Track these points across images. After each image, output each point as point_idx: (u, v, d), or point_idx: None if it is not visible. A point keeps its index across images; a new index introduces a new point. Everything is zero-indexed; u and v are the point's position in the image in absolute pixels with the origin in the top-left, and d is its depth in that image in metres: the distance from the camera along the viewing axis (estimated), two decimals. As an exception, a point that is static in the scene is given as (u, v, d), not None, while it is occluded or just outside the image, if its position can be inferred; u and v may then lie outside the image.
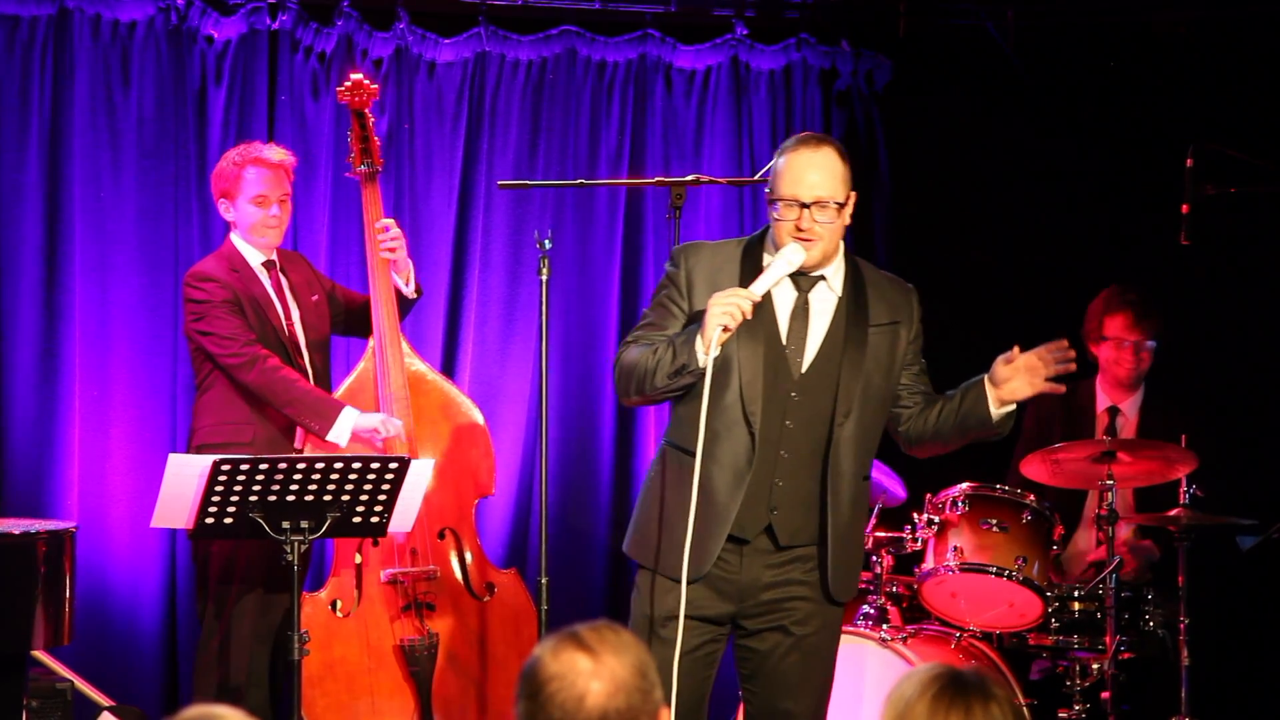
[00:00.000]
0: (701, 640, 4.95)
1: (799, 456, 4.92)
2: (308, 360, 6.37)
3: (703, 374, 4.74)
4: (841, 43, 8.05)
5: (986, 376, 4.97)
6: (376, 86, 6.60)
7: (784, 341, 4.91)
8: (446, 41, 7.65)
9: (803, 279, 4.91)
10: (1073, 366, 4.93)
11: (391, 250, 6.45)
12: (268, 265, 6.38)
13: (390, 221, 6.48)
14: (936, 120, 8.14)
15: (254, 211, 6.33)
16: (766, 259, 4.91)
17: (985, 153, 8.08)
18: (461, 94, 7.64)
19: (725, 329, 4.70)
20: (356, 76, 6.55)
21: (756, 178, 6.52)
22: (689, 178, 6.02)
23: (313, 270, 6.64)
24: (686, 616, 4.83)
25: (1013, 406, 4.97)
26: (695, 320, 4.85)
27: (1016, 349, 4.93)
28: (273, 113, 7.38)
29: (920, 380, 5.10)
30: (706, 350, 4.71)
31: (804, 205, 4.82)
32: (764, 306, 4.83)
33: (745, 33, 7.95)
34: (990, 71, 8.02)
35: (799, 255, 4.82)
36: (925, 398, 5.08)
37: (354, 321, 6.61)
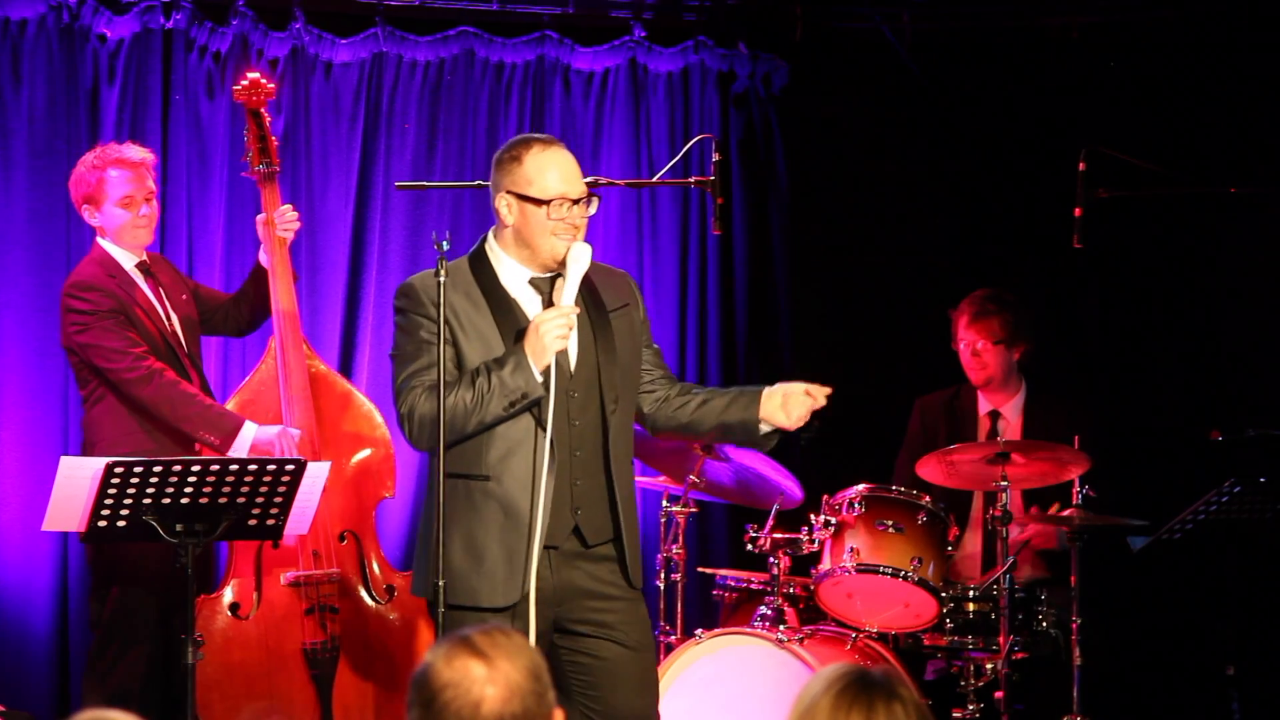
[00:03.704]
0: None
1: (588, 453, 4.97)
2: (190, 361, 6.32)
3: (540, 397, 4.81)
4: (739, 45, 8.08)
5: (765, 391, 5.02)
6: (273, 86, 6.55)
7: None
8: (343, 42, 7.62)
9: (541, 281, 4.97)
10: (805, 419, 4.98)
11: (288, 231, 6.43)
12: (141, 268, 6.32)
13: (289, 206, 6.47)
14: (833, 123, 8.18)
15: (121, 214, 6.26)
16: (502, 265, 4.96)
17: (881, 155, 8.13)
18: (359, 95, 7.61)
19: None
20: (253, 75, 6.50)
21: (655, 179, 6.53)
22: (587, 179, 6.01)
23: (176, 270, 6.61)
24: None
25: (773, 427, 5.03)
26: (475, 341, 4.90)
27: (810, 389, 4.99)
28: (167, 112, 7.32)
29: (658, 363, 5.19)
30: (542, 373, 4.80)
31: (574, 201, 4.90)
32: (516, 318, 4.92)
33: (643, 35, 7.96)
34: (886, 74, 8.07)
35: (586, 251, 4.91)
36: (668, 381, 5.18)
37: (216, 320, 6.58)
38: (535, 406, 4.86)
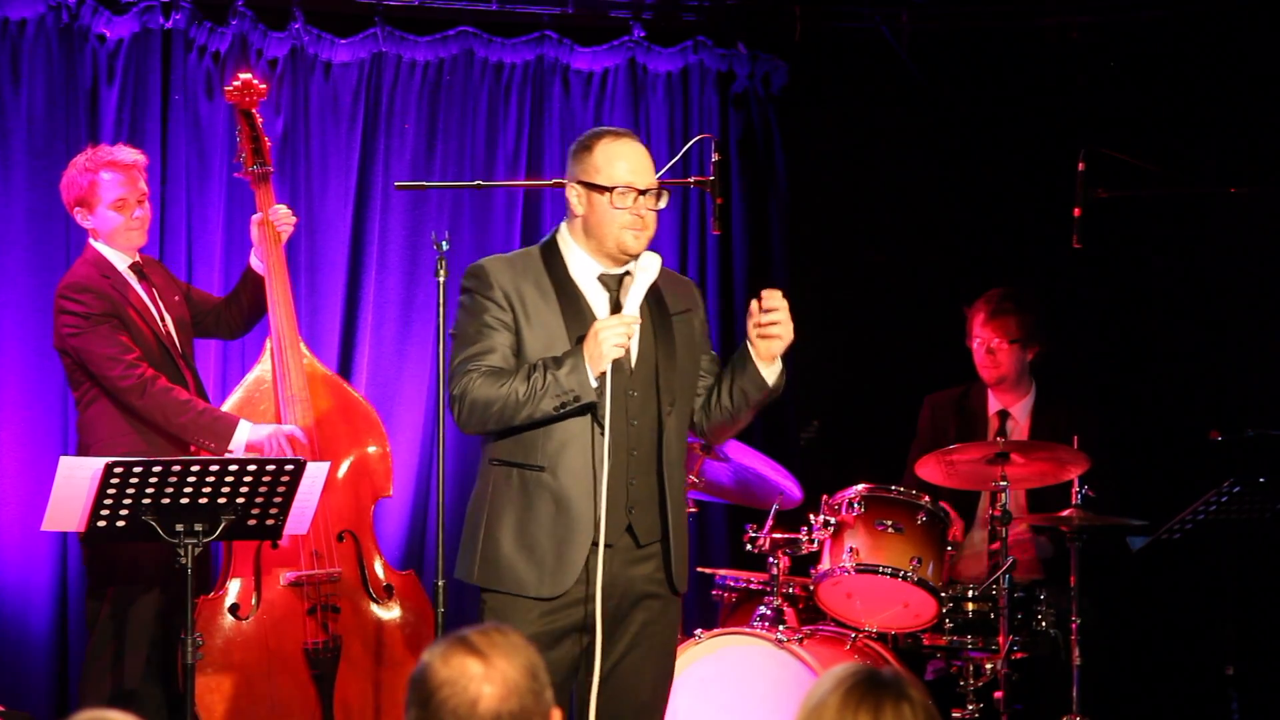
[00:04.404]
0: (574, 654, 4.97)
1: (645, 452, 4.98)
2: (184, 362, 6.33)
3: (593, 402, 4.83)
4: (738, 45, 8.08)
5: (745, 344, 5.03)
6: (265, 86, 6.56)
7: None
8: (342, 42, 7.62)
9: (609, 278, 4.98)
10: (765, 320, 4.95)
11: (287, 227, 6.45)
12: (134, 269, 6.32)
13: (283, 205, 6.49)
14: (833, 122, 8.18)
15: (115, 217, 6.25)
16: (572, 256, 4.98)
17: (881, 155, 8.13)
18: (358, 95, 7.61)
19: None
20: (245, 76, 6.51)
21: (654, 180, 6.52)
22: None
23: (169, 272, 6.61)
24: (549, 632, 4.89)
25: (778, 364, 5.02)
26: (519, 331, 4.92)
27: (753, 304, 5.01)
28: (166, 113, 7.32)
29: (712, 370, 5.18)
30: (598, 378, 4.81)
31: (641, 192, 4.91)
32: (582, 312, 4.94)
33: (643, 35, 7.97)
34: (885, 74, 8.08)
35: (655, 261, 4.92)
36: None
37: (208, 323, 6.57)
38: (588, 409, 4.87)
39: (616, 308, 4.97)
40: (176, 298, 6.43)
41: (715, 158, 6.18)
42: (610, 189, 4.90)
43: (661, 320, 5.04)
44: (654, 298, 5.02)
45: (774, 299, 4.97)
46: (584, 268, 4.99)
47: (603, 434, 4.86)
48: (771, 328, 4.96)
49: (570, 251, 5.00)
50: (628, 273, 4.99)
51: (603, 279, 4.99)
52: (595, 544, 4.90)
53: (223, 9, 7.42)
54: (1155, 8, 7.76)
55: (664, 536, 5.00)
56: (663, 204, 4.99)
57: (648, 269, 4.90)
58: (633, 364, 4.97)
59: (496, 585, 4.97)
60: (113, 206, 6.24)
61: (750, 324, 4.99)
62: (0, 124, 7.14)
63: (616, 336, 4.79)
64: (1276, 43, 7.54)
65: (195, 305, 6.53)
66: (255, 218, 6.49)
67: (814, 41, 8.06)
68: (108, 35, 7.28)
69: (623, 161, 4.93)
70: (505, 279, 4.95)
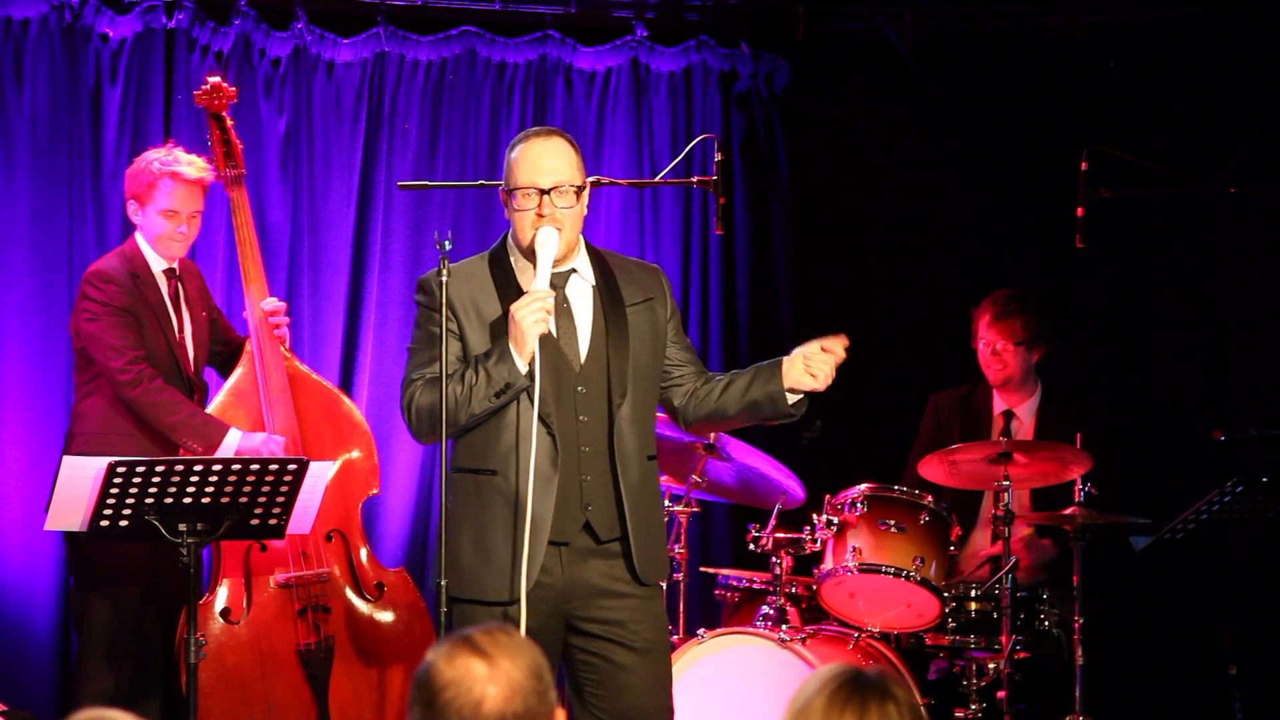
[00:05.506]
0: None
1: (597, 448, 4.98)
2: (194, 371, 6.32)
3: (526, 386, 4.85)
4: (741, 45, 8.08)
5: (785, 361, 5.01)
6: (234, 89, 6.55)
7: (556, 338, 4.96)
8: (345, 41, 7.62)
9: (555, 275, 4.96)
10: (819, 359, 4.94)
11: (281, 328, 6.45)
12: (168, 273, 6.32)
13: (282, 313, 6.49)
14: (835, 122, 8.18)
15: (162, 224, 6.26)
16: (515, 259, 5.02)
17: (883, 155, 8.12)
18: (361, 94, 7.61)
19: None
20: (214, 79, 6.50)
21: (658, 179, 6.53)
22: (589, 179, 6.01)
23: (205, 287, 6.59)
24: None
25: (802, 394, 5.00)
26: (464, 339, 4.96)
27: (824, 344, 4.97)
28: (169, 112, 7.32)
29: (689, 357, 5.19)
30: (528, 361, 4.82)
31: (543, 192, 4.91)
32: None
33: (645, 34, 7.96)
34: (888, 74, 8.07)
35: (553, 234, 4.89)
36: (697, 373, 5.17)
37: (218, 359, 6.55)
38: (521, 397, 4.88)
39: (563, 303, 4.97)
40: (204, 314, 6.43)
41: (718, 157, 6.19)
42: (513, 190, 4.95)
43: (613, 311, 5.04)
44: (606, 289, 5.04)
45: (838, 345, 4.95)
46: (525, 269, 5.00)
47: (547, 429, 4.87)
48: (819, 365, 4.93)
49: (513, 254, 5.04)
50: (574, 270, 5.02)
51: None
52: (553, 543, 4.91)
53: (225, 9, 7.42)
54: (1157, 8, 7.76)
55: (623, 532, 4.98)
56: (575, 201, 4.95)
57: (546, 244, 4.88)
58: (582, 359, 4.99)
59: (458, 593, 4.97)
60: (162, 214, 6.25)
61: (802, 350, 4.96)
62: (3, 124, 7.14)
63: (533, 314, 4.80)
64: (1277, 43, 7.54)
65: (217, 331, 6.52)
66: (247, 314, 6.48)
67: (817, 41, 8.06)
68: (110, 35, 7.28)
69: (527, 161, 4.95)
70: (451, 286, 4.97)
